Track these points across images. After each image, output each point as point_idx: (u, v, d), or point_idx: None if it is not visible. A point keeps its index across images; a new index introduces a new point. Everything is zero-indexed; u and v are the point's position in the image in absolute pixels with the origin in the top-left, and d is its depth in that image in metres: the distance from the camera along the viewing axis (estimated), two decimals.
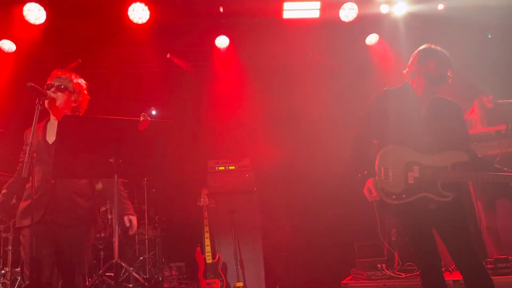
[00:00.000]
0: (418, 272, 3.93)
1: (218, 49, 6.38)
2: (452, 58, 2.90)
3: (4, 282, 4.79)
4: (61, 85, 2.92)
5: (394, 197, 2.75)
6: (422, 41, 2.97)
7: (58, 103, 2.90)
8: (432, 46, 2.92)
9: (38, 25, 5.34)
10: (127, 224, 2.99)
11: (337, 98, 6.48)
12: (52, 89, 2.89)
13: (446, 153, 2.75)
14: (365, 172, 2.87)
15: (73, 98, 2.98)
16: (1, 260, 5.05)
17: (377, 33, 6.32)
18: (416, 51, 2.95)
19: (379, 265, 4.13)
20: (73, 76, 3.04)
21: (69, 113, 2.95)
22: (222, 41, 6.24)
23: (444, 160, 2.74)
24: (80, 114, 3.05)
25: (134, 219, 3.07)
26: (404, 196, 2.74)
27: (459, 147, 2.79)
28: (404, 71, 2.99)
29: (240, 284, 5.14)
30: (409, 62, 2.96)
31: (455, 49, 5.60)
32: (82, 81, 3.10)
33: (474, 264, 2.67)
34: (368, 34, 6.33)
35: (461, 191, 2.80)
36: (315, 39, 6.14)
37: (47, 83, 2.92)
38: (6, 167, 5.00)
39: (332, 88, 6.45)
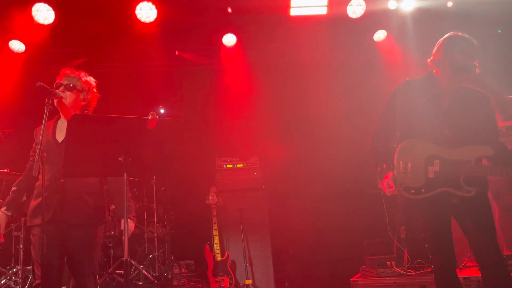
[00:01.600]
0: (428, 270, 3.92)
1: (225, 47, 6.38)
2: None
3: (16, 280, 4.85)
4: (69, 83, 2.92)
5: (413, 191, 2.69)
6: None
7: (67, 102, 2.91)
8: (459, 34, 2.78)
9: (47, 25, 5.39)
10: (122, 227, 2.86)
11: (345, 95, 6.45)
12: (61, 88, 2.90)
13: (469, 147, 2.66)
14: (384, 166, 2.82)
15: (81, 96, 2.98)
16: (13, 258, 5.11)
17: (385, 30, 6.28)
18: (442, 38, 2.83)
19: (388, 263, 4.11)
20: (82, 74, 3.03)
21: (78, 112, 2.96)
22: (229, 39, 6.24)
23: (468, 154, 2.64)
24: (90, 113, 3.05)
25: (132, 223, 3.02)
26: (423, 190, 2.68)
27: (484, 140, 2.67)
28: (428, 60, 2.88)
29: (249, 281, 5.15)
30: (434, 50, 2.84)
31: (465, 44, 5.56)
32: (91, 79, 3.09)
33: (498, 261, 2.59)
34: (376, 31, 6.29)
35: (484, 185, 2.72)
36: (322, 36, 6.11)
37: (56, 82, 2.93)
38: (16, 166, 5.06)
39: (340, 85, 6.42)
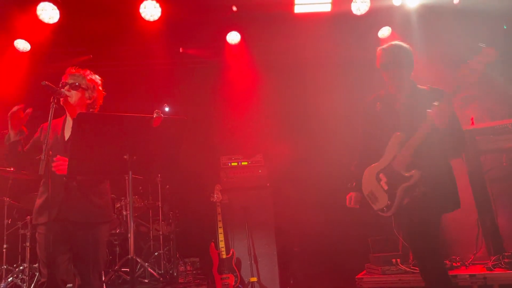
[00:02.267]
0: None
1: (229, 45, 6.38)
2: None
3: (22, 278, 4.89)
4: (74, 82, 2.93)
5: (385, 209, 2.83)
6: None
7: (72, 100, 2.92)
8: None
9: (52, 24, 5.41)
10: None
11: (349, 92, 6.43)
12: (66, 87, 2.91)
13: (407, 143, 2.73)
14: (354, 184, 3.09)
15: (87, 95, 2.98)
16: (20, 256, 5.15)
17: (389, 26, 6.25)
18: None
19: (393, 260, 4.09)
20: (87, 73, 3.03)
21: (84, 110, 2.97)
22: (233, 37, 6.24)
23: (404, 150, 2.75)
24: (95, 111, 3.06)
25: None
26: (389, 202, 2.79)
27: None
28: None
29: (254, 279, 5.16)
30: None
31: (469, 41, 5.53)
32: (96, 77, 3.09)
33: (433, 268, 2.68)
34: (381, 27, 6.26)
35: (429, 168, 2.68)
36: (327, 33, 6.09)
37: (62, 81, 2.95)
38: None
39: (345, 83, 6.40)
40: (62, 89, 2.84)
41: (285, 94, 6.47)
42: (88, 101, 2.99)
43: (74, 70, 3.01)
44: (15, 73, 5.80)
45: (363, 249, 4.90)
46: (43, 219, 2.77)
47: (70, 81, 2.94)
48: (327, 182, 6.07)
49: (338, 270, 5.43)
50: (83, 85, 2.97)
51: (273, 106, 6.28)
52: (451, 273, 3.71)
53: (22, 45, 5.77)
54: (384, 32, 6.32)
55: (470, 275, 3.60)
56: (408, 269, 3.96)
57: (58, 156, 2.68)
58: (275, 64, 6.65)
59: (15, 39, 5.70)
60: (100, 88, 3.10)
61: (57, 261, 2.75)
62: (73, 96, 2.92)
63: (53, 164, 2.68)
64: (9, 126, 2.80)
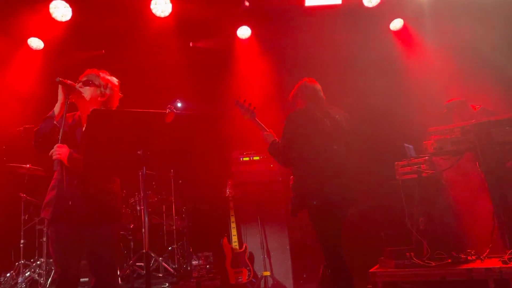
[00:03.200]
0: (449, 261, 3.89)
1: (240, 40, 6.38)
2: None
3: (39, 272, 4.98)
4: (88, 80, 2.96)
5: None
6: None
7: (85, 96, 2.93)
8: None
9: (64, 22, 5.46)
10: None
11: (361, 86, 6.39)
12: (79, 84, 2.94)
13: None
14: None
15: (99, 91, 2.97)
16: (37, 251, 5.24)
17: (401, 18, 6.18)
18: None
19: (407, 254, 4.07)
20: (102, 73, 3.05)
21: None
22: (243, 32, 6.23)
23: None
24: None
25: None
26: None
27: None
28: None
29: (267, 273, 5.17)
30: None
31: (483, 31, 5.44)
32: (112, 78, 3.10)
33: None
34: (393, 19, 6.20)
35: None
36: (338, 26, 6.05)
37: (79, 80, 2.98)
38: (37, 161, 5.18)
39: (356, 76, 6.36)
40: (75, 85, 2.87)
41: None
42: (101, 99, 2.98)
43: (90, 70, 3.04)
44: (29, 71, 5.87)
45: (377, 243, 4.88)
46: (52, 215, 2.77)
47: (84, 78, 2.98)
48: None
49: (351, 264, 5.40)
50: (96, 82, 2.99)
51: (284, 100, 6.25)
52: (466, 266, 3.69)
53: (35, 43, 5.84)
54: (396, 24, 6.26)
55: (486, 269, 3.57)
56: (422, 263, 3.93)
57: (58, 144, 2.68)
58: (286, 58, 6.63)
59: (29, 37, 5.77)
60: (116, 89, 3.08)
61: (68, 258, 2.77)
62: (86, 91, 2.94)
63: (52, 151, 2.66)
64: (60, 92, 2.79)
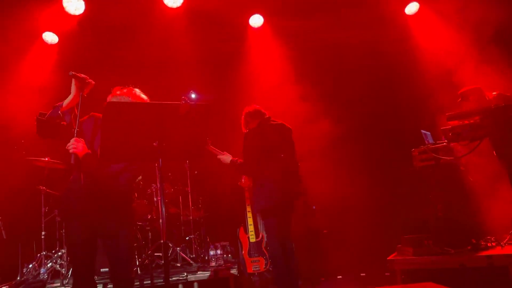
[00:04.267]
0: (468, 248, 3.84)
1: (252, 28, 6.33)
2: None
3: (61, 263, 5.08)
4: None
5: None
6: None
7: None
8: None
9: (78, 15, 5.49)
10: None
11: (377, 72, 6.30)
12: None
13: None
14: None
15: None
16: (57, 242, 5.35)
17: (417, 2, 6.05)
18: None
19: (425, 241, 4.03)
20: (133, 92, 3.00)
21: None
22: (256, 20, 6.18)
23: None
24: None
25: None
26: None
27: None
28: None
29: None
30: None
31: (501, 12, 5.28)
32: (142, 96, 3.04)
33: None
34: (408, 3, 6.07)
35: None
36: (352, 11, 5.96)
37: (107, 101, 2.93)
38: (56, 154, 5.26)
39: (372, 62, 6.27)
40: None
41: (311, 76, 6.37)
42: None
43: (119, 92, 2.98)
44: (45, 65, 5.93)
45: (394, 230, 4.85)
46: (71, 210, 2.81)
47: (114, 100, 2.92)
48: (359, 163, 6.00)
49: (369, 252, 5.40)
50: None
51: (300, 88, 6.20)
52: (486, 253, 3.64)
53: (50, 37, 5.89)
54: (412, 8, 6.13)
55: (506, 255, 3.52)
56: (441, 250, 3.90)
57: (75, 138, 2.69)
58: (300, 45, 6.56)
59: (43, 31, 5.82)
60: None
61: (85, 250, 2.81)
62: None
63: (69, 144, 2.66)
64: (73, 86, 2.77)
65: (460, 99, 4.49)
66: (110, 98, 2.99)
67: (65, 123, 2.83)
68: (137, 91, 3.04)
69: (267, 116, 4.15)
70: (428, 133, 4.59)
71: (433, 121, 4.80)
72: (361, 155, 6.10)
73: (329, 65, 6.53)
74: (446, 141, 4.13)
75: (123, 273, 2.88)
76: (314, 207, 5.42)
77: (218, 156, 4.12)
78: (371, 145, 6.29)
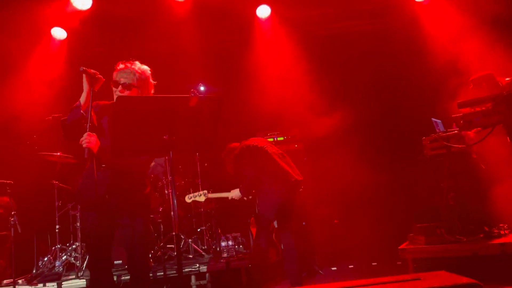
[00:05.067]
0: (481, 236, 3.81)
1: (259, 19, 6.29)
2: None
3: (75, 256, 5.15)
4: (126, 82, 2.92)
5: None
6: None
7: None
8: None
9: (85, 10, 5.50)
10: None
11: (386, 62, 6.23)
12: (119, 88, 2.91)
13: None
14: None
15: (140, 91, 2.96)
16: (72, 235, 5.42)
17: None
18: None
19: (438, 230, 4.01)
20: (137, 67, 2.99)
21: None
22: (263, 11, 6.14)
23: None
24: None
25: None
26: None
27: None
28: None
29: None
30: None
31: None
32: (146, 69, 3.05)
33: None
34: None
35: None
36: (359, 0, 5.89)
37: (113, 79, 2.94)
38: (67, 149, 5.31)
39: (381, 51, 6.20)
40: (115, 90, 2.88)
41: (320, 67, 6.32)
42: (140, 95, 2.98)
43: (123, 66, 2.98)
44: (55, 60, 5.97)
45: (406, 219, 4.83)
46: (79, 203, 2.83)
47: (122, 80, 2.93)
48: (369, 152, 5.97)
49: (380, 241, 5.39)
50: (135, 83, 2.94)
51: (309, 79, 6.17)
52: (499, 241, 3.62)
53: (58, 33, 5.91)
54: None
55: None
56: (453, 239, 3.88)
57: (88, 132, 2.70)
58: (308, 35, 6.51)
59: (51, 27, 5.84)
60: (151, 79, 3.06)
61: (101, 241, 2.84)
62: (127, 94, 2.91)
63: (82, 139, 2.67)
64: (84, 81, 2.80)
65: (471, 86, 4.43)
66: (115, 75, 2.97)
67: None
68: (137, 64, 3.04)
69: (238, 145, 4.47)
70: (439, 121, 4.54)
71: (444, 109, 4.75)
72: (371, 144, 6.07)
73: (338, 54, 6.47)
74: (457, 129, 4.09)
75: (140, 261, 2.92)
76: (304, 223, 5.42)
77: (229, 198, 4.41)
78: (381, 133, 6.25)
